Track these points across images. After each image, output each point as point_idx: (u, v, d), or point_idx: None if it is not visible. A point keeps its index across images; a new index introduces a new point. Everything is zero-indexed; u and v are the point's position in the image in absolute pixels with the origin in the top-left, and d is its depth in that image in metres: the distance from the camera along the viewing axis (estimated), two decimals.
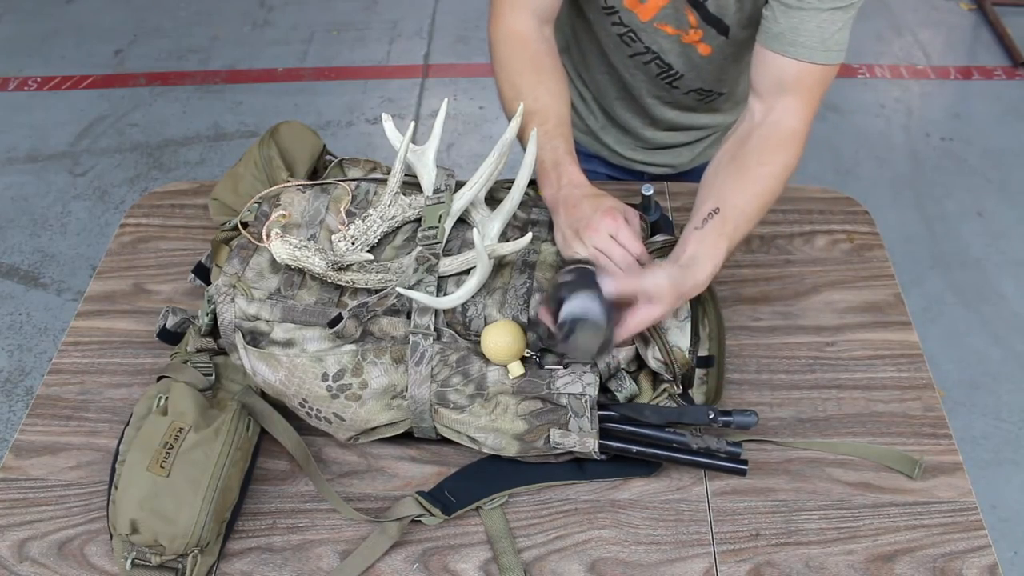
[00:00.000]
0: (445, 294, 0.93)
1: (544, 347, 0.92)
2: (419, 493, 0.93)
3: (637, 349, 0.94)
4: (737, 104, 1.30)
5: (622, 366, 0.94)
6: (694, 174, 1.38)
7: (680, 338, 0.92)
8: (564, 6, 1.12)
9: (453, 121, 2.84)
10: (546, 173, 0.97)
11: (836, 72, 0.99)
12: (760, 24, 0.99)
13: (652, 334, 0.91)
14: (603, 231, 0.90)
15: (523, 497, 0.95)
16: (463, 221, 1.01)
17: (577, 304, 0.84)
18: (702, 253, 0.89)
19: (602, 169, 1.41)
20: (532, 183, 1.02)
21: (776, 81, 0.98)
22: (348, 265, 0.94)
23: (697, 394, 1.00)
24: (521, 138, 1.00)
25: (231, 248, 1.01)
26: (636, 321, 0.86)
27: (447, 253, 0.97)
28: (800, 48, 0.96)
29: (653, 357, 0.91)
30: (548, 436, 0.90)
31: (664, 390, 0.93)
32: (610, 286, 0.84)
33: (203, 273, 1.10)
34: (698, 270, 0.88)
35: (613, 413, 0.92)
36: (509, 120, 1.00)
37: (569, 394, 0.89)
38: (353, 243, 0.97)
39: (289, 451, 0.96)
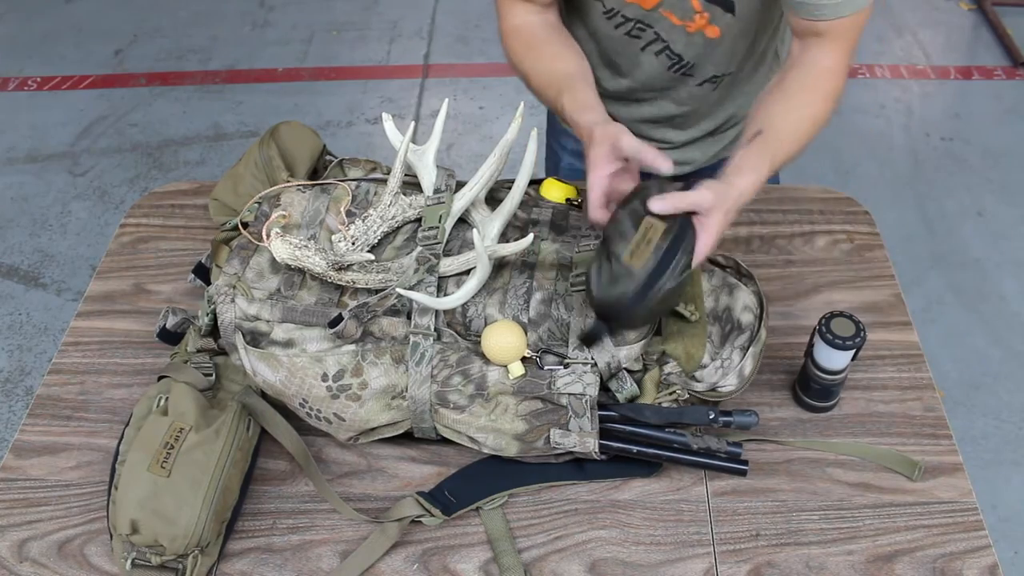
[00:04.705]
0: (445, 294, 0.93)
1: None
2: (419, 493, 0.93)
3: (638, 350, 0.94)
4: (748, 96, 1.28)
5: (623, 365, 0.94)
6: (712, 171, 1.36)
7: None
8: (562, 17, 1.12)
9: (453, 121, 2.84)
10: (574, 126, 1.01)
11: (869, 12, 1.00)
12: None
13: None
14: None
15: (523, 497, 0.95)
16: (463, 221, 1.00)
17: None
18: (745, 165, 0.91)
19: None
20: (532, 183, 1.02)
21: (810, 31, 1.01)
22: (348, 265, 0.94)
23: None
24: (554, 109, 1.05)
25: (231, 248, 1.01)
26: (701, 245, 0.87)
27: (447, 253, 0.96)
28: (824, 9, 0.97)
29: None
30: (548, 436, 0.90)
31: (672, 391, 0.93)
32: (657, 205, 0.85)
33: (203, 273, 1.10)
34: (741, 179, 0.90)
35: (613, 413, 0.92)
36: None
37: (569, 394, 0.89)
38: (353, 243, 0.97)
39: (289, 451, 0.96)
